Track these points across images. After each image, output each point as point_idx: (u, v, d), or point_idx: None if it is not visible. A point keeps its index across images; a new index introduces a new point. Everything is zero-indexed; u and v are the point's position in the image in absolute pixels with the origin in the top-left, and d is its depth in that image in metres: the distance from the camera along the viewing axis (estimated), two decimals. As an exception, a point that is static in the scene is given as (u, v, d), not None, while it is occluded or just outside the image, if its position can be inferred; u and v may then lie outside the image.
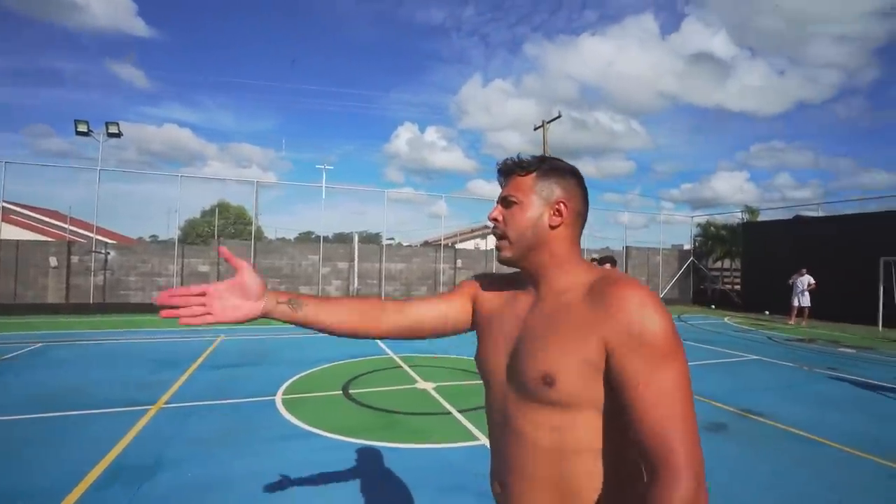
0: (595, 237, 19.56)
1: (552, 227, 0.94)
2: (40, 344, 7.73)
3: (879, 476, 3.36)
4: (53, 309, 12.00)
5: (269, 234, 26.07)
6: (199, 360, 6.68)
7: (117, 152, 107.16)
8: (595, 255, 11.15)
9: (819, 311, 13.09)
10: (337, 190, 16.09)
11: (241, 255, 13.64)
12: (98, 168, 12.76)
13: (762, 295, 15.68)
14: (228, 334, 9.10)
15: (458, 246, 19.97)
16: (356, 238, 14.87)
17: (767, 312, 15.14)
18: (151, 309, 12.51)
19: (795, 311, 12.74)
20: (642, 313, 0.80)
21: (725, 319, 13.98)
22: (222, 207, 26.06)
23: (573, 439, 0.85)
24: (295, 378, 5.80)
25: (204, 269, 13.45)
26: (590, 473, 0.85)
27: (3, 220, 11.87)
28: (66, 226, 16.70)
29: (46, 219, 22.42)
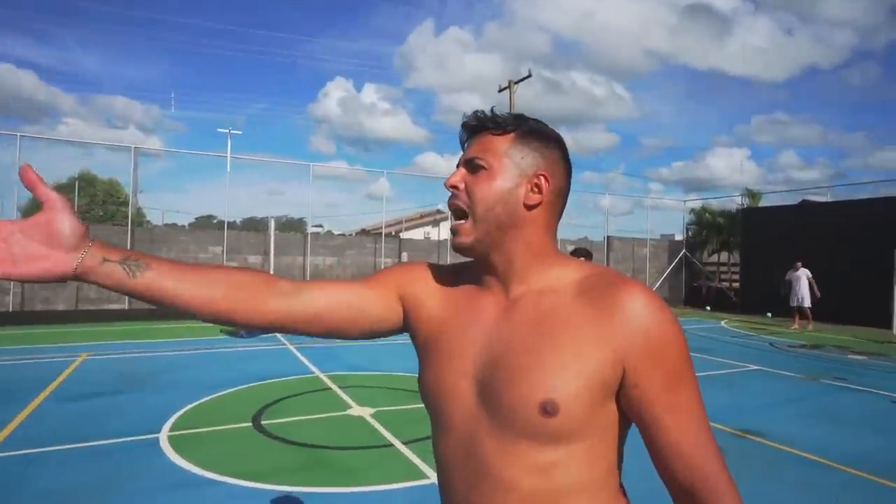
0: (571, 224, 20.10)
1: (528, 207, 0.91)
2: None
3: (893, 502, 3.62)
4: None
5: (154, 217, 25.04)
6: (50, 388, 6.33)
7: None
8: (569, 247, 11.43)
9: (826, 310, 14.01)
10: (246, 162, 15.66)
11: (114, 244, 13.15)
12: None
13: (763, 294, 16.61)
14: (95, 351, 8.66)
15: (404, 235, 19.96)
16: (272, 224, 14.53)
17: (770, 314, 16.09)
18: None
19: (797, 314, 13.56)
20: (660, 319, 0.83)
21: (723, 323, 14.75)
22: (86, 181, 24.55)
23: (565, 478, 0.84)
24: (187, 408, 5.63)
25: (65, 265, 12.74)
26: None
27: None
28: None
29: None
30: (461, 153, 0.97)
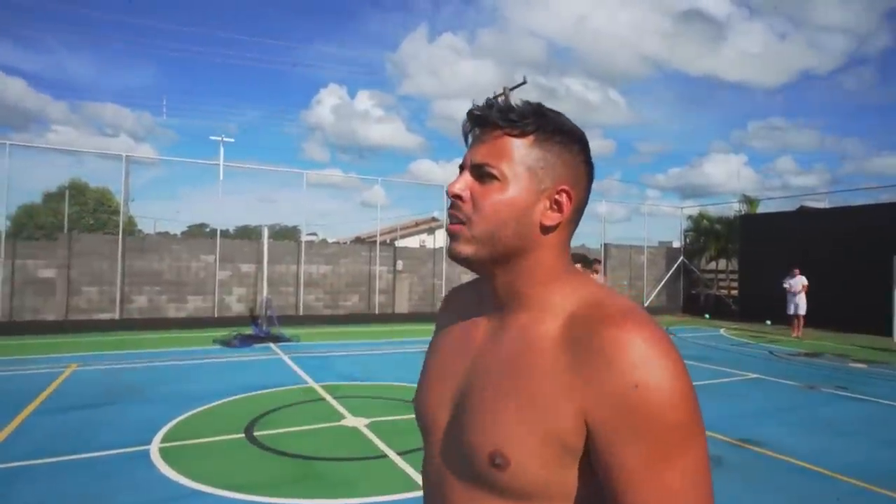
0: (568, 232, 20.06)
1: (544, 229, 0.78)
2: None
3: (893, 513, 3.64)
4: None
5: (146, 226, 25.00)
6: (39, 400, 6.30)
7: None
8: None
9: (825, 318, 14.07)
10: (239, 170, 15.62)
11: (104, 255, 13.13)
12: None
13: (761, 301, 16.68)
14: (84, 362, 8.64)
15: (399, 243, 19.95)
16: (266, 233, 14.51)
17: (769, 322, 16.15)
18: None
19: (796, 321, 13.60)
20: (645, 372, 0.66)
21: (722, 331, 14.79)
22: (76, 189, 24.46)
23: None
24: (178, 419, 5.60)
25: (48, 273, 12.57)
26: None
27: None
28: None
29: None
30: (465, 152, 0.83)
